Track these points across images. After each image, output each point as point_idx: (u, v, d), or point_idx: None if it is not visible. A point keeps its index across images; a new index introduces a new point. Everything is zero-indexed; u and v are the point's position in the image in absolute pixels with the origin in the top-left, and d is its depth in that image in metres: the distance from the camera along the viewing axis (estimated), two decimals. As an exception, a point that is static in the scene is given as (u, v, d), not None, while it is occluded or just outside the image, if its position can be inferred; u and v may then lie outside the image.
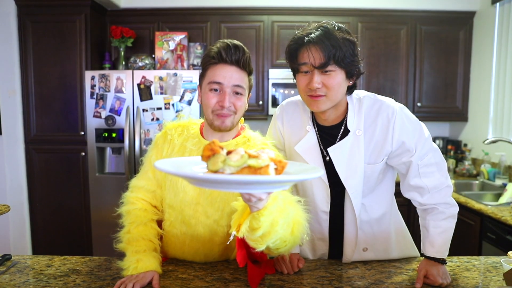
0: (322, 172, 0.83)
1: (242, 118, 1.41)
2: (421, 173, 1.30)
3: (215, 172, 0.78)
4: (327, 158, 1.35)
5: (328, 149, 1.33)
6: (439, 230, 1.30)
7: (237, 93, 1.27)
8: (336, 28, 1.23)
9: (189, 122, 1.44)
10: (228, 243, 1.14)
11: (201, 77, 1.33)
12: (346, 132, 1.33)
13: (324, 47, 1.18)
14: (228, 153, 0.80)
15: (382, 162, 1.33)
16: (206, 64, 1.29)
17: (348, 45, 1.21)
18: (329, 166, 1.34)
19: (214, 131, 1.32)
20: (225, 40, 1.28)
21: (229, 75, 1.25)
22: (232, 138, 1.36)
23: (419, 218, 1.38)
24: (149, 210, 1.39)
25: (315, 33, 1.21)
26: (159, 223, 1.41)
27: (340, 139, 1.33)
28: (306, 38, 1.21)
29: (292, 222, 1.08)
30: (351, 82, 1.29)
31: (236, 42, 1.27)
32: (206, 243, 1.36)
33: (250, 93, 1.36)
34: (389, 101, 1.32)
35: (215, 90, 1.27)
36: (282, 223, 1.03)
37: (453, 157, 3.85)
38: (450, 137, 4.15)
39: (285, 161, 0.82)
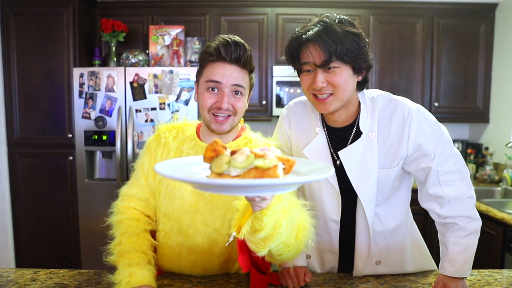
0: (332, 170, 0.82)
1: (242, 119, 1.41)
2: (441, 181, 1.29)
3: (220, 174, 0.77)
4: (338, 162, 1.34)
5: (339, 153, 1.33)
6: (460, 248, 1.27)
7: (236, 93, 1.28)
8: (337, 21, 1.23)
9: (184, 123, 1.44)
10: (227, 244, 1.13)
11: (198, 74, 1.34)
12: (358, 134, 1.32)
13: (324, 44, 1.19)
14: (232, 153, 0.79)
15: (397, 167, 1.32)
16: (204, 61, 1.30)
17: (351, 38, 1.20)
18: (340, 171, 1.34)
19: (212, 133, 1.32)
20: (225, 36, 1.28)
21: (228, 74, 1.26)
22: (233, 140, 1.37)
23: (438, 234, 1.36)
24: (141, 219, 1.38)
25: (314, 30, 1.21)
26: (153, 234, 1.41)
27: (352, 142, 1.33)
28: (304, 36, 1.22)
29: (297, 225, 1.08)
30: (360, 77, 1.28)
31: (236, 38, 1.28)
32: (205, 254, 1.36)
33: (251, 92, 1.36)
34: (405, 100, 1.32)
35: (213, 89, 1.27)
36: (286, 226, 1.03)
37: (473, 162, 3.83)
38: (470, 139, 4.13)
39: (292, 160, 0.82)
